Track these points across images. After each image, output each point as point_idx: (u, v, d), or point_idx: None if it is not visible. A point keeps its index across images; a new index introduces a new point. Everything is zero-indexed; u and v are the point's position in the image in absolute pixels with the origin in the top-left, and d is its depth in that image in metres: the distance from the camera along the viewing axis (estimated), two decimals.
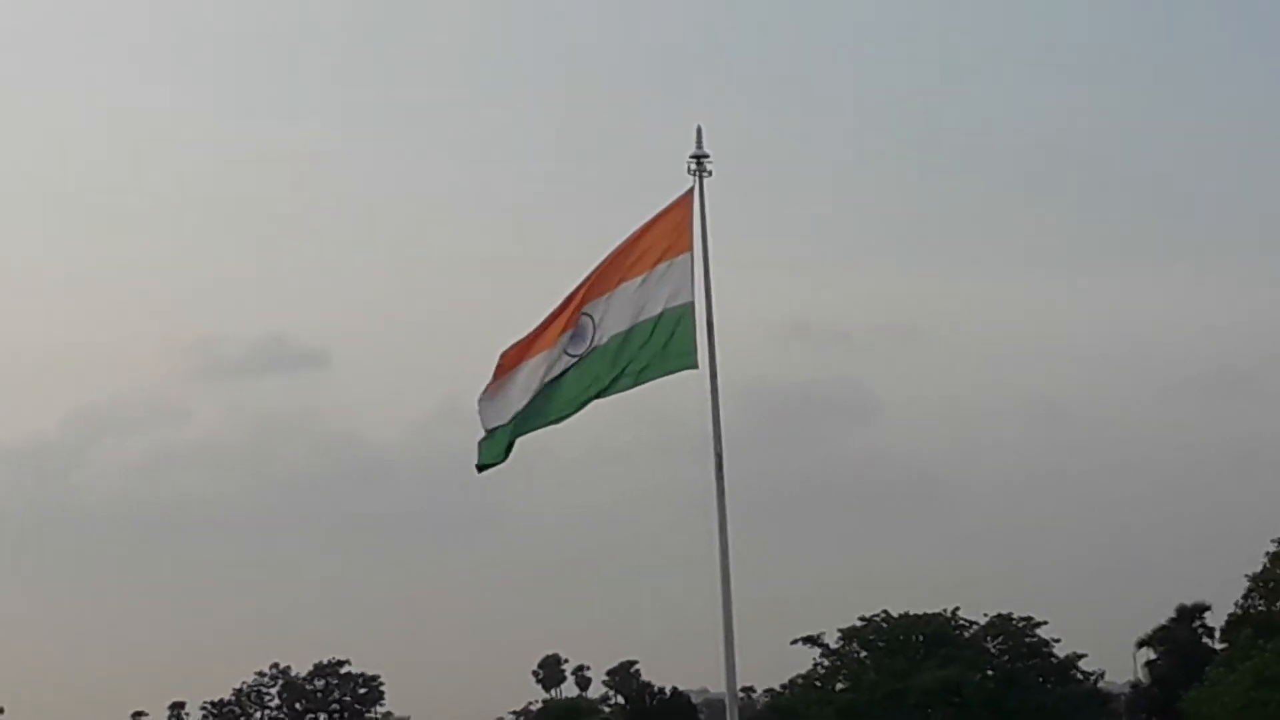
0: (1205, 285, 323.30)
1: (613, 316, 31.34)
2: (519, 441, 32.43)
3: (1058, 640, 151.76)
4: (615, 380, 31.39)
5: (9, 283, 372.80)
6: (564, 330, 31.77)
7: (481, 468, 32.43)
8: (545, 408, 31.91)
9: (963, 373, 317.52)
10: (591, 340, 31.38)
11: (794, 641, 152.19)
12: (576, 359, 31.34)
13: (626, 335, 31.54)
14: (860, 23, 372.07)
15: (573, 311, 32.00)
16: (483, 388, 32.57)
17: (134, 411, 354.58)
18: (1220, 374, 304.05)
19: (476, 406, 32.38)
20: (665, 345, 30.96)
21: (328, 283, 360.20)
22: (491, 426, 31.95)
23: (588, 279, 32.23)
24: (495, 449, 31.92)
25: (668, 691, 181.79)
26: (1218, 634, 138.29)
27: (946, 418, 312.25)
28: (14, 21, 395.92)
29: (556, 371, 31.69)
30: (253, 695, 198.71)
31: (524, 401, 32.05)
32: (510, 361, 32.02)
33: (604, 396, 31.91)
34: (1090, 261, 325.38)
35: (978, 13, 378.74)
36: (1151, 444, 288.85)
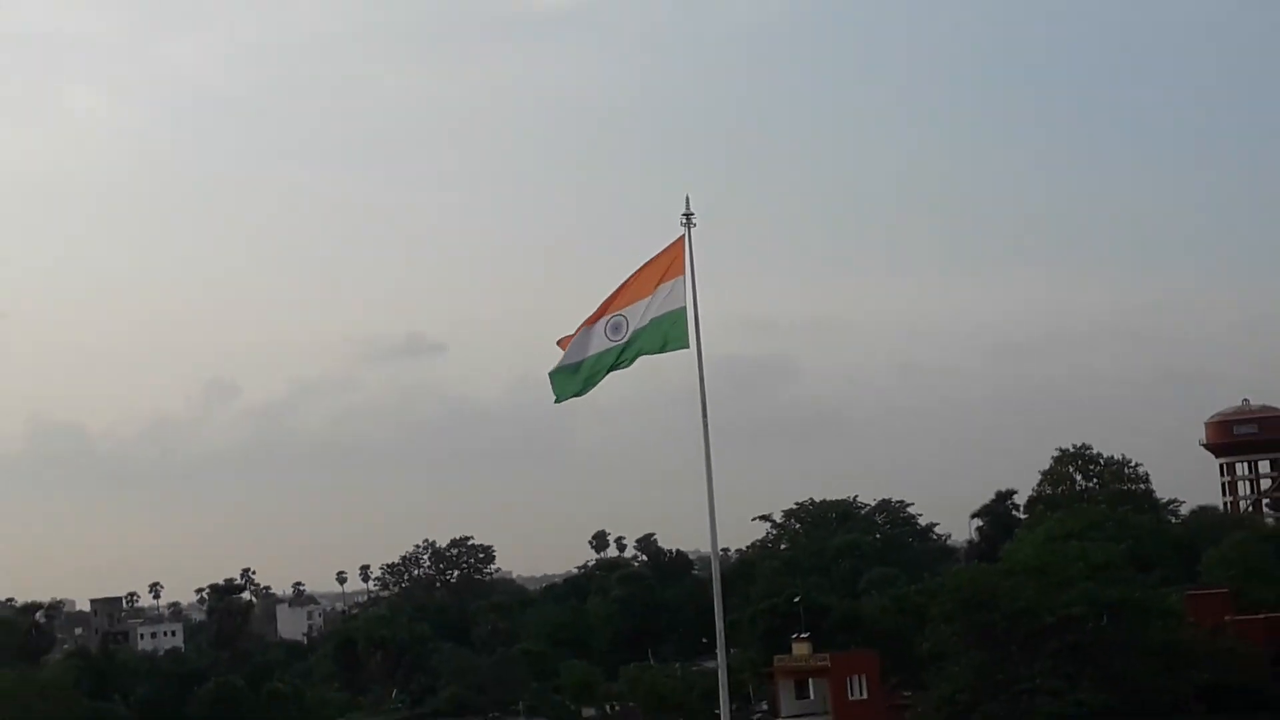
0: (1020, 279, 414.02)
1: (638, 316, 34.89)
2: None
3: (920, 515, 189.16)
4: (638, 353, 35.27)
5: (244, 294, 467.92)
6: (605, 318, 35.57)
7: (557, 401, 36.26)
8: (596, 371, 35.94)
9: (857, 347, 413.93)
10: (626, 331, 35.07)
11: (754, 518, 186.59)
12: (617, 342, 35.25)
13: (646, 327, 35.16)
14: (803, 118, 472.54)
15: (609, 310, 35.66)
16: (559, 346, 36.85)
17: (327, 382, 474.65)
18: (1039, 341, 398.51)
19: (559, 366, 36.96)
20: (668, 332, 34.47)
21: (447, 289, 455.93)
22: (558, 368, 36.24)
23: (617, 291, 36.03)
24: (562, 386, 36.01)
25: (674, 552, 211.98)
26: (1022, 509, 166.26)
27: (847, 377, 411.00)
28: None
29: (603, 348, 35.64)
30: (412, 559, 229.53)
31: (580, 358, 36.15)
32: (568, 339, 36.23)
33: (631, 363, 36.06)
34: (942, 264, 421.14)
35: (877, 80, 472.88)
36: (982, 387, 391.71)
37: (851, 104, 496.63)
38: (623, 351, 34.52)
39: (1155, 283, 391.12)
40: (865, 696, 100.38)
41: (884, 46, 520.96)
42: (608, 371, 35.64)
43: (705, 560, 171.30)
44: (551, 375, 35.83)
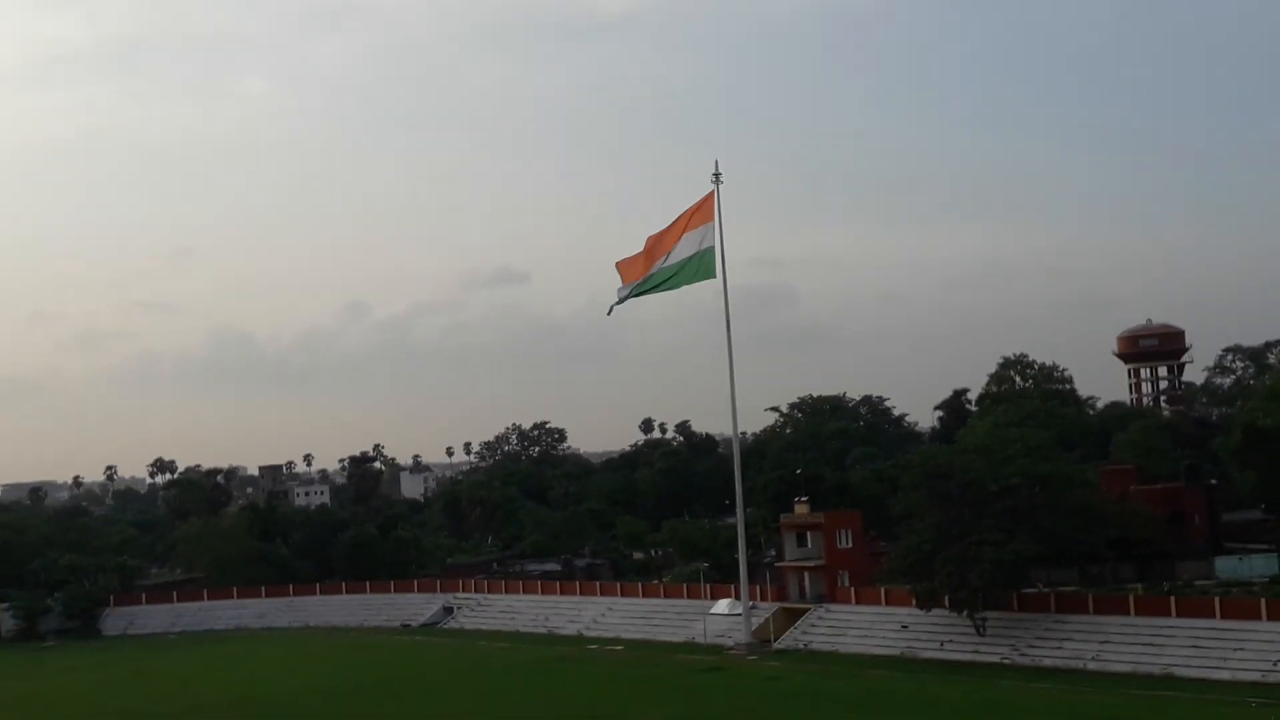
0: (964, 227, 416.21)
1: (678, 252, 35.29)
2: (635, 305, 37.66)
3: (894, 407, 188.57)
4: (676, 280, 36.00)
5: (374, 235, 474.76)
6: (660, 257, 35.37)
7: (610, 312, 37.57)
8: (646, 288, 37.23)
9: (840, 279, 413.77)
10: (666, 262, 35.72)
11: (766, 409, 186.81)
12: (661, 269, 36.19)
13: (685, 261, 35.33)
14: (806, 105, 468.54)
15: (661, 248, 35.31)
16: (621, 278, 36.76)
17: (438, 303, 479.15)
18: (982, 273, 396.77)
19: (619, 287, 36.41)
20: (700, 266, 35.38)
21: (529, 231, 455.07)
22: (622, 296, 37.00)
23: (667, 231, 35.99)
24: (620, 303, 36.80)
25: (704, 435, 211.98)
26: (974, 403, 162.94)
27: (833, 301, 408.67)
28: None
29: (653, 274, 36.35)
30: (503, 438, 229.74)
31: (638, 290, 37.06)
32: (629, 267, 35.67)
33: (674, 289, 37.06)
34: (907, 216, 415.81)
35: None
36: (941, 309, 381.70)
37: (840, 94, 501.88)
38: (666, 278, 35.02)
39: (1070, 228, 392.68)
40: (850, 546, 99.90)
41: (862, 51, 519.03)
42: (653, 291, 36.41)
43: (729, 441, 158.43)
44: (621, 296, 36.50)
